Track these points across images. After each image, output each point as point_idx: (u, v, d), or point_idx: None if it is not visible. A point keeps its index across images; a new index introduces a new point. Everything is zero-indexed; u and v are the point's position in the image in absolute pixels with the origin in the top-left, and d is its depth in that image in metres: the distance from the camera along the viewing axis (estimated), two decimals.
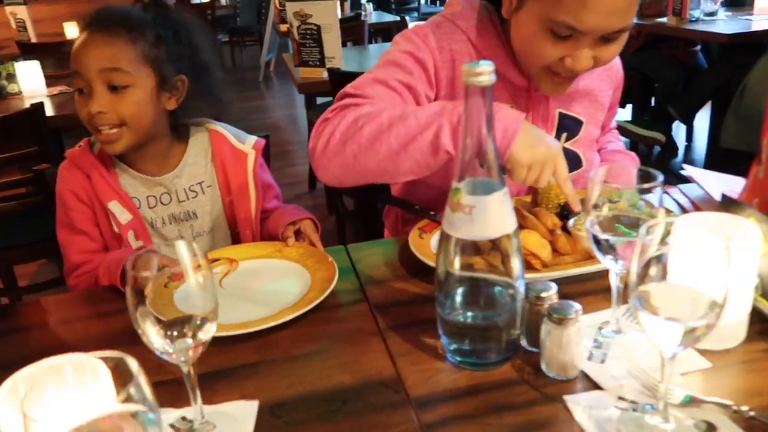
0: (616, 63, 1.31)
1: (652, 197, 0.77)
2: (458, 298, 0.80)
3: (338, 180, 1.08)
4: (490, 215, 0.74)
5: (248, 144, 1.33)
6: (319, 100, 3.58)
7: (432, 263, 0.97)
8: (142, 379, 0.48)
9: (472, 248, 0.76)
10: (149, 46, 1.18)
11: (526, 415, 0.72)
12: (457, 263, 0.77)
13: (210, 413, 0.74)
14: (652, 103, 4.06)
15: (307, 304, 0.95)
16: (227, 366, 0.85)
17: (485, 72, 0.70)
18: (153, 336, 0.66)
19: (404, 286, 1.02)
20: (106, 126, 1.16)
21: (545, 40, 1.04)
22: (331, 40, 2.94)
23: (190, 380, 0.70)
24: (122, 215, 1.22)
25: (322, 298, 0.96)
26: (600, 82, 1.28)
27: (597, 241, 0.78)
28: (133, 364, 0.49)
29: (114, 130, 1.17)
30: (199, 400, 0.72)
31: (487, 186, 0.74)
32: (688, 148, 4.15)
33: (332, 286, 0.99)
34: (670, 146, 3.90)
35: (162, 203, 1.28)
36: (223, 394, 0.80)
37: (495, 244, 0.75)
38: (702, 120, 3.97)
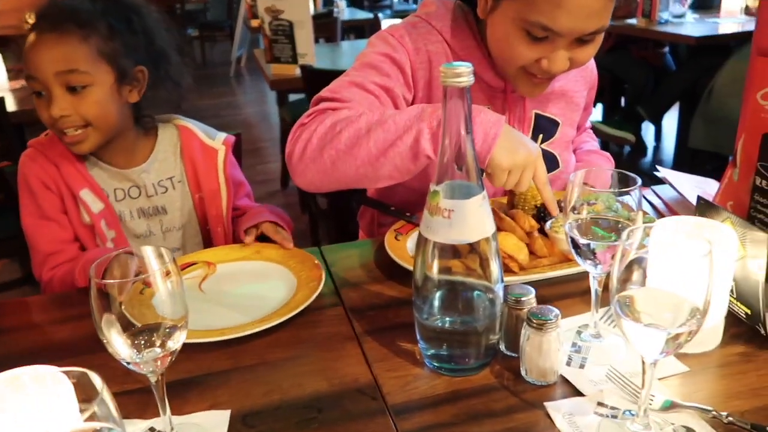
0: (591, 63, 1.30)
1: (630, 200, 0.77)
2: (436, 303, 0.78)
3: (316, 186, 1.06)
4: (469, 219, 0.73)
5: (218, 140, 1.30)
6: (292, 97, 3.54)
7: (408, 266, 0.96)
8: (107, 395, 0.46)
9: (451, 252, 0.74)
10: (103, 40, 1.12)
11: (506, 422, 0.71)
12: (435, 267, 0.75)
13: (179, 424, 0.71)
14: (623, 104, 4.12)
15: (296, 306, 0.92)
16: (198, 373, 0.82)
17: (464, 73, 0.69)
18: (119, 345, 0.63)
19: (380, 289, 1.00)
20: (71, 128, 1.12)
21: (521, 42, 1.03)
22: (303, 36, 2.91)
23: (158, 390, 0.67)
24: (94, 204, 1.18)
25: (311, 299, 0.94)
26: (575, 83, 1.28)
27: (576, 245, 0.77)
28: (96, 379, 0.46)
29: (79, 131, 1.13)
30: (168, 410, 0.69)
31: (466, 189, 0.73)
32: (657, 148, 4.22)
33: (321, 287, 0.96)
34: (640, 146, 3.96)
35: (130, 197, 1.24)
36: (193, 403, 0.77)
37: (473, 248, 0.74)
38: (670, 120, 4.04)
